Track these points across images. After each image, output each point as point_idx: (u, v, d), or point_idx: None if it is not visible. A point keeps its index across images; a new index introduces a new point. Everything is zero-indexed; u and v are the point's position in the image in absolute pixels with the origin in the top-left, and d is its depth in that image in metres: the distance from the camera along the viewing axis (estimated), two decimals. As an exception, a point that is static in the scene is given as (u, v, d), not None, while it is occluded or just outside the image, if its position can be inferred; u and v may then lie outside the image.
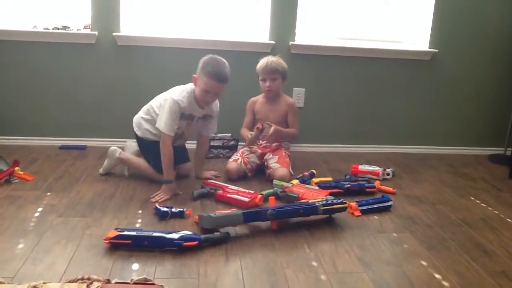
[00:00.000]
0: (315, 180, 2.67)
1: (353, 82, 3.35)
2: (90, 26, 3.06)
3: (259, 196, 2.37)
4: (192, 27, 3.19)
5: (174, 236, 1.88)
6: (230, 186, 2.47)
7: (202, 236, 1.92)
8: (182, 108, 2.45)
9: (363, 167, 2.88)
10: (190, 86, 2.53)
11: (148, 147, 2.62)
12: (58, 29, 3.04)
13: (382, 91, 3.39)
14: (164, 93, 2.58)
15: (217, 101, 2.65)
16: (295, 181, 2.61)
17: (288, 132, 2.88)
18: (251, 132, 2.79)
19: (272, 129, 2.73)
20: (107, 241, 1.86)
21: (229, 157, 2.89)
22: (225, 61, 2.49)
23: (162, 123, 2.43)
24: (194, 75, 2.49)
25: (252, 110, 2.96)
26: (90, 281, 1.51)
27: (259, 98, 2.95)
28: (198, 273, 1.72)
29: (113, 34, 3.04)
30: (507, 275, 1.83)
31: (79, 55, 3.08)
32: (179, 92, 2.49)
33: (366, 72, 3.34)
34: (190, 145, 2.85)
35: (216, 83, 2.42)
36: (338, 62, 3.30)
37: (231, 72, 2.48)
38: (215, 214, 2.03)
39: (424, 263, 1.89)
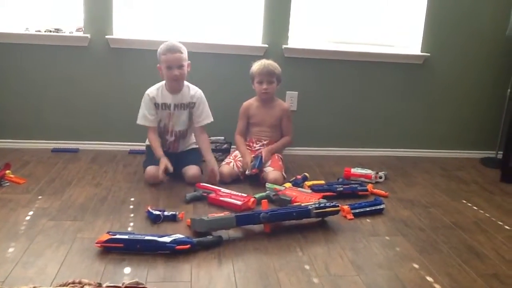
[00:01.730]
0: (308, 183, 2.67)
1: (346, 85, 3.36)
2: (83, 29, 3.05)
3: (252, 199, 2.36)
4: (185, 30, 3.18)
5: (167, 239, 1.87)
6: (223, 189, 2.46)
7: (195, 240, 1.91)
8: (151, 98, 2.66)
9: (355, 171, 2.89)
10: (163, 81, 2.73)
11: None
12: (51, 31, 3.03)
13: (375, 95, 3.40)
14: None
15: (195, 89, 2.74)
16: (288, 184, 2.61)
17: (282, 145, 2.91)
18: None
19: (264, 154, 2.75)
20: (99, 245, 1.85)
21: (222, 160, 2.89)
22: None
23: (138, 116, 2.70)
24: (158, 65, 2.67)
25: (246, 115, 2.95)
26: (81, 285, 1.51)
27: (253, 102, 2.95)
28: (191, 277, 1.72)
29: (106, 36, 3.03)
30: (499, 277, 1.84)
31: (71, 57, 3.07)
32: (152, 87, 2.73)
33: (359, 76, 3.35)
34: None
35: (171, 55, 2.59)
36: (331, 65, 3.31)
37: (185, 47, 2.65)
38: (208, 218, 2.02)
39: (416, 266, 1.90)
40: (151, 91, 2.68)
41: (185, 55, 2.64)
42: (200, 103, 2.73)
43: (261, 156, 2.75)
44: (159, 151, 2.62)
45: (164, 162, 2.54)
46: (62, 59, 3.06)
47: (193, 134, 2.83)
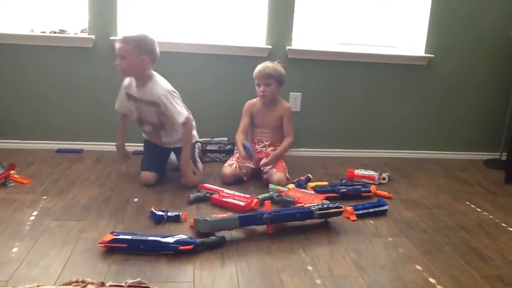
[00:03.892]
0: (311, 184, 2.67)
1: (350, 86, 3.36)
2: (87, 30, 3.06)
3: (255, 200, 2.37)
4: (189, 32, 3.19)
5: (170, 240, 1.88)
6: (226, 190, 2.47)
7: (198, 240, 1.92)
8: (125, 86, 2.67)
9: (359, 172, 2.89)
10: None
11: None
12: (55, 33, 3.04)
13: (378, 96, 3.40)
14: None
15: (161, 88, 2.53)
16: (291, 185, 2.61)
17: (285, 148, 2.89)
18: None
19: (267, 161, 2.75)
20: (103, 245, 1.86)
21: (226, 161, 2.89)
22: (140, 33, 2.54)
23: None
24: None
25: (249, 114, 2.96)
26: (84, 284, 1.51)
27: (257, 102, 2.96)
28: (194, 277, 1.72)
29: (110, 38, 3.04)
30: (502, 279, 1.84)
31: (76, 59, 3.08)
32: None
33: (363, 77, 3.35)
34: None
35: (117, 44, 2.52)
36: (334, 67, 3.31)
37: (140, 37, 2.50)
38: (211, 218, 2.03)
39: (419, 267, 1.89)
40: (127, 80, 2.66)
41: (129, 47, 2.45)
42: (165, 106, 2.52)
43: (247, 141, 2.81)
44: (118, 138, 2.78)
45: (120, 152, 2.77)
46: (66, 60, 3.08)
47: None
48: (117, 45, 2.50)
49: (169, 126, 2.65)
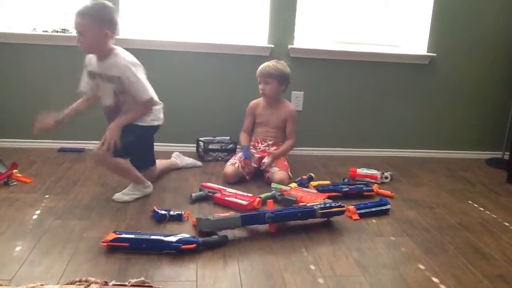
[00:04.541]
0: (313, 183, 2.67)
1: (352, 85, 3.36)
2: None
3: (257, 199, 2.37)
4: (191, 30, 3.19)
5: (172, 239, 1.88)
6: (228, 189, 2.47)
7: (200, 239, 1.92)
8: (85, 64, 2.45)
9: (361, 171, 2.89)
10: None
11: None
12: (58, 32, 3.04)
13: (380, 95, 3.40)
14: None
15: (123, 58, 2.31)
16: (293, 185, 2.61)
17: (286, 150, 2.90)
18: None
19: (268, 160, 2.75)
20: (105, 244, 1.86)
21: (228, 160, 2.89)
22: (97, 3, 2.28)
23: None
24: None
25: (253, 113, 2.96)
26: (87, 283, 1.52)
27: (260, 102, 2.96)
28: (196, 276, 1.72)
29: (112, 37, 3.04)
30: (505, 278, 1.84)
31: (78, 58, 3.06)
32: None
33: (365, 76, 3.35)
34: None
35: (75, 19, 2.25)
36: (336, 65, 3.31)
37: (97, 8, 2.25)
38: (213, 217, 2.03)
39: (421, 266, 1.89)
40: (88, 56, 2.42)
41: (87, 21, 2.21)
42: (128, 79, 2.28)
43: (247, 146, 2.81)
44: (66, 110, 2.46)
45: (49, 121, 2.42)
46: (68, 59, 3.07)
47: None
48: (75, 20, 2.24)
49: (126, 108, 2.39)
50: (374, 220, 2.31)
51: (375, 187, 2.68)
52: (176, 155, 2.95)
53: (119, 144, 2.25)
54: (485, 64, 3.43)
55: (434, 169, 3.23)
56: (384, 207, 2.40)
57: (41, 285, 1.52)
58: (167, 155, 2.95)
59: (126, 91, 2.33)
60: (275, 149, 2.89)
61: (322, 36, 3.34)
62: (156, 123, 2.47)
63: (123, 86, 2.32)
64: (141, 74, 2.33)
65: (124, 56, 2.32)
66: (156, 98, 2.40)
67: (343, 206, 2.26)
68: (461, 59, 3.40)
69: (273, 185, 2.56)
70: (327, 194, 2.47)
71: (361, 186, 2.66)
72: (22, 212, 2.17)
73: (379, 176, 2.85)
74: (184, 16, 3.19)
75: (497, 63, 3.43)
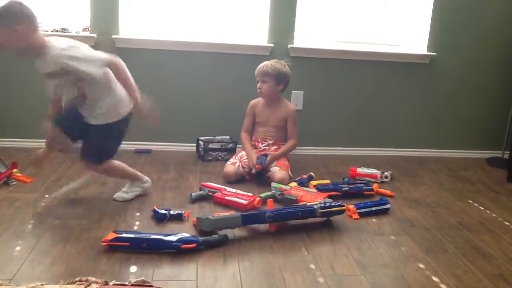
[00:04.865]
0: (314, 182, 2.67)
1: (352, 85, 3.36)
2: (89, 29, 3.06)
3: (258, 198, 2.37)
4: (191, 30, 3.19)
5: (172, 238, 1.88)
6: (229, 189, 2.47)
7: (200, 239, 1.92)
8: (36, 66, 2.22)
9: (361, 170, 2.88)
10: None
11: None
12: (57, 31, 3.04)
13: (380, 94, 3.40)
14: None
15: (54, 52, 2.07)
16: (293, 184, 2.61)
17: (287, 150, 2.89)
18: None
19: (267, 159, 2.74)
20: (105, 244, 1.86)
21: (228, 159, 2.89)
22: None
23: None
24: None
25: (253, 113, 2.96)
26: (88, 283, 1.51)
27: (260, 101, 2.96)
28: (196, 276, 1.72)
29: (112, 36, 3.04)
30: (505, 278, 1.84)
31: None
32: None
33: (365, 75, 3.35)
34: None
35: None
36: (336, 65, 3.30)
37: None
38: (213, 217, 2.03)
39: (422, 266, 1.89)
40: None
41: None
42: (74, 68, 2.07)
43: (267, 155, 2.75)
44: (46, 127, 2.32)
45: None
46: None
47: (103, 104, 2.23)
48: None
49: (91, 95, 2.22)
50: (374, 220, 2.31)
51: (375, 186, 2.68)
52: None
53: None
54: (485, 63, 3.43)
55: (434, 169, 3.23)
56: (384, 207, 2.40)
57: (41, 285, 1.52)
58: (167, 154, 2.94)
59: (81, 77, 2.14)
60: (275, 149, 2.88)
61: (322, 36, 3.34)
62: (125, 112, 2.28)
63: (75, 74, 2.12)
64: (82, 52, 2.10)
65: (58, 45, 2.08)
66: (114, 57, 2.20)
67: (343, 206, 2.26)
68: (461, 58, 3.40)
69: (273, 184, 2.56)
70: (327, 194, 2.47)
71: (361, 185, 2.65)
72: (22, 212, 2.17)
73: (379, 176, 2.84)
74: (184, 15, 3.18)
75: (497, 62, 3.43)
